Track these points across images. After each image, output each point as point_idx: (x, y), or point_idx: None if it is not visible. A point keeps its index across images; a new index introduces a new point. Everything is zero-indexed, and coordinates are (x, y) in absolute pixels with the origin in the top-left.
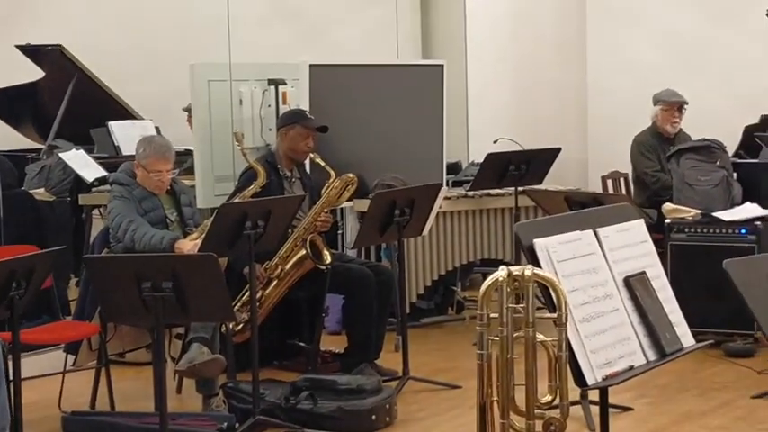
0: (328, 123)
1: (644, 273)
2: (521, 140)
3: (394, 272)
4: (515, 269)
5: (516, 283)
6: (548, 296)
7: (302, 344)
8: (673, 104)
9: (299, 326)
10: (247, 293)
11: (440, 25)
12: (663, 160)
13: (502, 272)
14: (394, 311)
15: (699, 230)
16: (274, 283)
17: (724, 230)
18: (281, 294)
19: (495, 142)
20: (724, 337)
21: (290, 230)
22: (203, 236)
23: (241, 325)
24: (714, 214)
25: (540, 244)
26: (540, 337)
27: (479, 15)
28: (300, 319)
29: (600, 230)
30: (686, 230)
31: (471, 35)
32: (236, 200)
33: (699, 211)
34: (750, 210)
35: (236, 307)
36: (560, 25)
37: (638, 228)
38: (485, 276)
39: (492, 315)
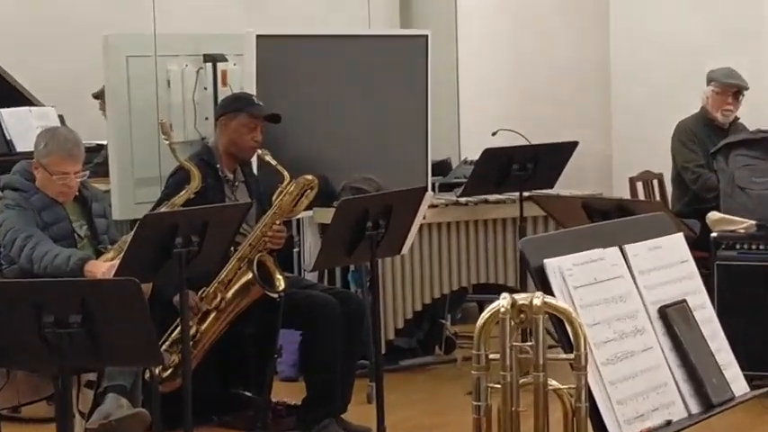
0: (281, 111)
1: (684, 301)
2: (526, 133)
3: (365, 301)
4: (521, 297)
5: (522, 316)
6: (562, 332)
7: (249, 394)
8: (726, 87)
9: (245, 371)
10: (178, 329)
11: None
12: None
13: (504, 301)
14: (366, 352)
15: (753, 246)
16: (213, 315)
17: None
18: (221, 330)
19: (493, 135)
20: None
21: (232, 248)
22: (121, 255)
23: (170, 370)
24: None
25: (551, 265)
26: (553, 383)
27: None
28: (246, 361)
29: (628, 248)
30: (737, 246)
31: (463, 3)
32: (164, 209)
33: (753, 222)
34: None
35: (164, 347)
36: None
37: (676, 244)
38: (482, 307)
39: (492, 356)
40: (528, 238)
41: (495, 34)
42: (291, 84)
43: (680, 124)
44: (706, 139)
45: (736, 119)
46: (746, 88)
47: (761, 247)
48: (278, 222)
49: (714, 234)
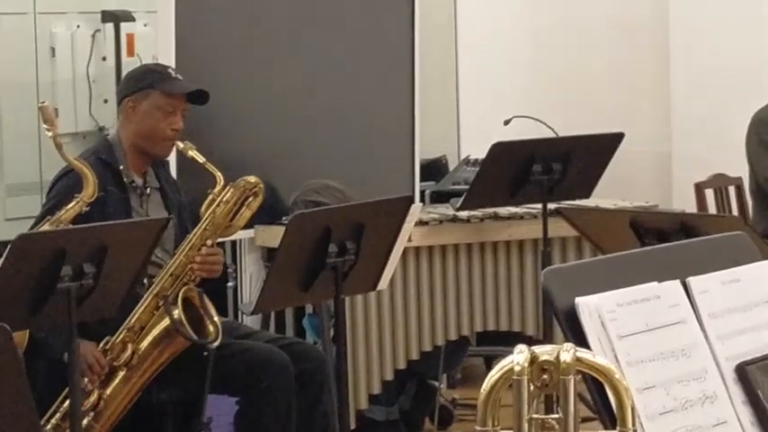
0: (210, 89)
1: None
2: (550, 121)
3: (328, 356)
4: (544, 351)
5: (546, 377)
6: (602, 399)
7: None
8: None
9: None
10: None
11: None
12: None
13: (520, 356)
14: (328, 427)
15: None
16: (121, 375)
17: None
18: (132, 396)
19: (506, 124)
20: None
21: (144, 281)
22: None
23: None
24: None
25: (587, 305)
26: None
27: None
28: None
29: (693, 281)
30: None
31: None
32: (45, 227)
33: None
34: None
35: (53, 421)
36: None
37: (761, 275)
38: (489, 365)
39: (504, 431)
40: (554, 267)
41: None
42: (225, 53)
43: (757, 116)
44: None
45: None
46: None
47: None
48: (209, 243)
49: None
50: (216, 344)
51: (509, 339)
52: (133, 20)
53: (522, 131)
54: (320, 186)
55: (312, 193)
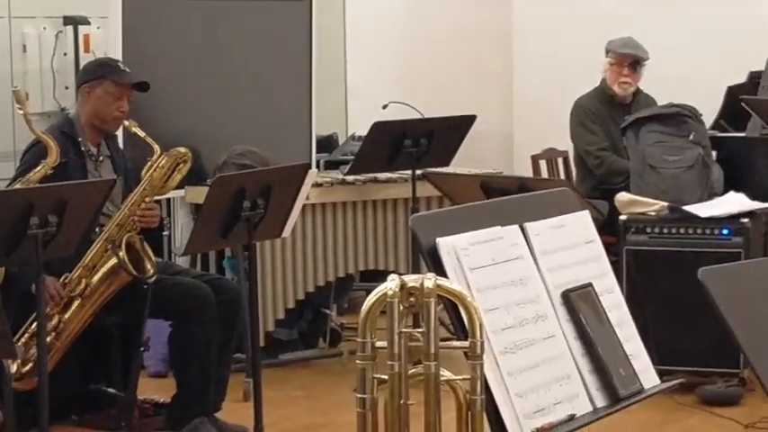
0: (150, 78)
1: (590, 285)
2: (419, 105)
3: (242, 289)
4: (411, 279)
5: (413, 300)
6: (457, 318)
7: (112, 391)
8: (622, 57)
9: (108, 365)
10: (35, 320)
11: None
12: (613, 133)
13: (392, 283)
14: (242, 345)
15: (665, 230)
16: (77, 303)
17: (699, 230)
18: (86, 320)
19: (384, 108)
20: (699, 378)
21: (96, 230)
22: None
23: (29, 365)
24: (686, 208)
25: (445, 244)
26: (447, 374)
27: None
28: (110, 355)
29: (529, 226)
30: (648, 230)
31: None
32: (17, 186)
33: (665, 204)
34: (734, 202)
35: (22, 340)
36: None
37: (581, 222)
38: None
39: (379, 344)
40: (419, 214)
41: None
42: (161, 49)
43: (577, 102)
44: (607, 116)
45: (639, 91)
46: (645, 59)
47: (673, 231)
48: (147, 200)
49: (623, 217)
50: (153, 279)
51: (385, 276)
52: (89, 23)
53: (396, 113)
54: (245, 150)
55: (240, 157)
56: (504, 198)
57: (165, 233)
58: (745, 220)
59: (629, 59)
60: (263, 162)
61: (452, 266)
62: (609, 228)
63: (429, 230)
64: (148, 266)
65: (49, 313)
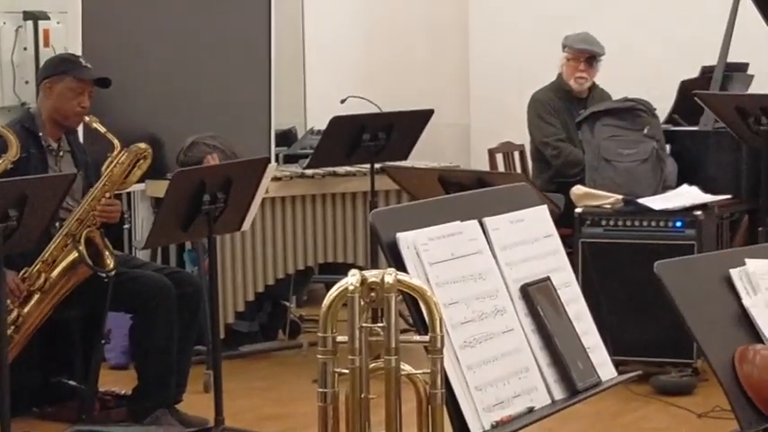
0: (110, 74)
1: (548, 279)
2: (377, 100)
3: (202, 282)
4: (372, 275)
5: (373, 294)
6: (417, 312)
7: (73, 383)
8: (579, 53)
9: (70, 358)
10: None
11: None
12: (569, 126)
13: (353, 278)
14: (202, 337)
15: (620, 223)
16: (36, 297)
17: (653, 223)
18: (46, 313)
19: (342, 102)
20: (654, 368)
21: (57, 224)
22: None
23: None
24: (640, 201)
25: (405, 239)
26: (407, 368)
27: None
28: (71, 348)
29: (488, 221)
30: (603, 223)
31: None
32: None
33: (620, 197)
34: (688, 195)
35: None
36: None
37: (539, 217)
38: (328, 288)
39: (340, 339)
40: (379, 209)
41: None
42: (120, 44)
43: (534, 96)
44: (563, 110)
45: (595, 86)
46: (601, 54)
47: (628, 223)
48: (108, 195)
49: (578, 210)
50: (112, 273)
51: (344, 269)
52: (48, 18)
53: (355, 108)
54: (215, 134)
55: (210, 138)
56: (464, 193)
57: (125, 227)
58: (698, 212)
59: (586, 55)
60: (231, 149)
61: (412, 261)
62: (564, 220)
63: (389, 225)
64: (108, 260)
65: (8, 307)
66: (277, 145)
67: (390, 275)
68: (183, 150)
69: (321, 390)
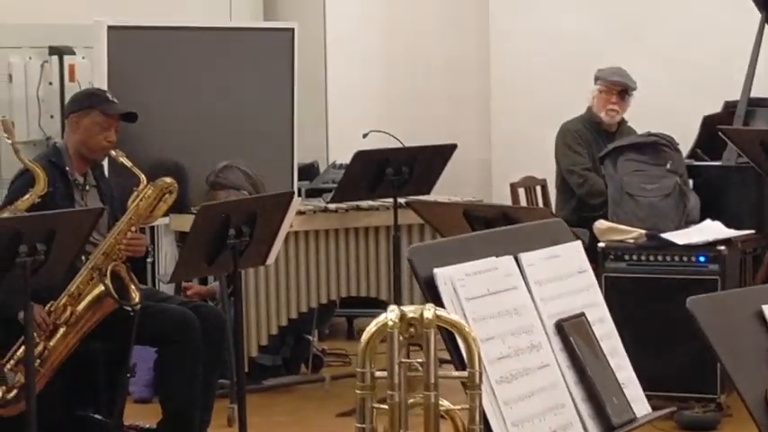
0: (135, 109)
1: (583, 315)
2: (400, 134)
3: (227, 315)
4: (410, 310)
5: (412, 330)
6: (454, 347)
7: (98, 417)
8: (611, 86)
9: (95, 391)
10: (22, 347)
11: None
12: (596, 159)
13: (392, 314)
14: (225, 371)
15: (643, 258)
16: (62, 330)
17: (677, 258)
18: (71, 347)
19: (364, 137)
20: (677, 403)
21: (83, 258)
22: None
23: (14, 392)
24: (663, 236)
25: (442, 275)
26: (445, 404)
27: None
28: (96, 381)
29: (523, 256)
30: (626, 257)
31: None
32: (5, 215)
33: (643, 232)
34: (711, 229)
35: (8, 367)
36: None
37: (573, 253)
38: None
39: (378, 374)
40: (417, 245)
41: (366, 29)
42: (145, 79)
43: (564, 126)
44: (592, 142)
45: (624, 122)
46: (633, 88)
47: (651, 258)
48: (133, 229)
49: (602, 244)
50: (138, 306)
51: (366, 303)
52: (74, 53)
53: (376, 142)
54: (247, 163)
55: (244, 165)
56: (498, 229)
57: (149, 260)
58: (722, 247)
59: (618, 87)
60: (260, 179)
61: (449, 296)
62: (588, 255)
63: (426, 261)
64: (134, 294)
65: (34, 340)
66: (299, 179)
67: (429, 311)
68: (216, 172)
69: (359, 425)
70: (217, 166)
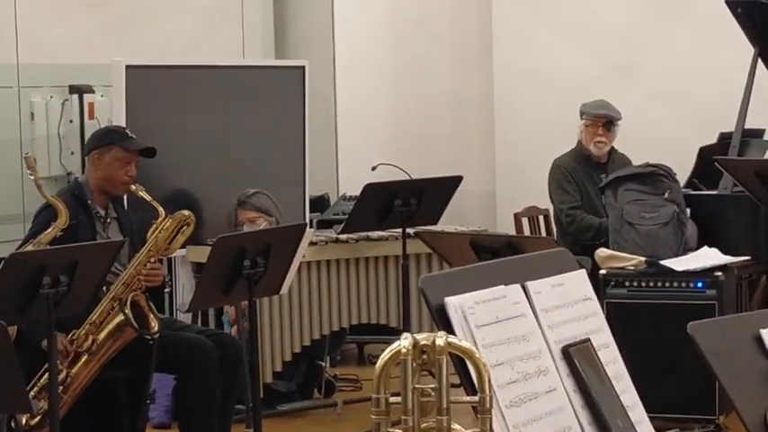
0: (152, 143)
1: (588, 341)
2: (407, 167)
3: (242, 343)
4: (423, 337)
5: (425, 356)
6: (465, 373)
7: None
8: (596, 119)
9: (116, 417)
10: (46, 375)
11: (299, 18)
12: (590, 191)
13: (405, 341)
14: (242, 396)
15: (643, 284)
16: (84, 358)
17: (675, 284)
18: (93, 374)
19: (373, 169)
20: (677, 424)
21: (104, 288)
22: None
23: (38, 417)
24: (662, 262)
25: (453, 303)
26: (456, 427)
27: (351, 7)
28: (117, 407)
29: (530, 285)
30: (626, 284)
31: (341, 32)
32: (29, 248)
33: (643, 259)
34: (708, 256)
35: (32, 393)
36: (457, 21)
37: (578, 281)
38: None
39: (392, 399)
40: (428, 275)
41: (374, 65)
42: (162, 116)
43: (555, 162)
44: (584, 176)
45: (614, 150)
46: (618, 119)
47: (651, 284)
48: (152, 260)
49: (603, 271)
50: (157, 335)
51: (376, 330)
52: (93, 92)
53: (385, 175)
54: (260, 194)
55: (268, 193)
56: (507, 258)
57: (166, 290)
58: (719, 273)
59: (603, 119)
60: (279, 211)
61: (460, 324)
62: (590, 281)
63: (437, 290)
64: (153, 323)
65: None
66: (311, 211)
67: (441, 338)
68: (247, 194)
69: None
70: (247, 191)
